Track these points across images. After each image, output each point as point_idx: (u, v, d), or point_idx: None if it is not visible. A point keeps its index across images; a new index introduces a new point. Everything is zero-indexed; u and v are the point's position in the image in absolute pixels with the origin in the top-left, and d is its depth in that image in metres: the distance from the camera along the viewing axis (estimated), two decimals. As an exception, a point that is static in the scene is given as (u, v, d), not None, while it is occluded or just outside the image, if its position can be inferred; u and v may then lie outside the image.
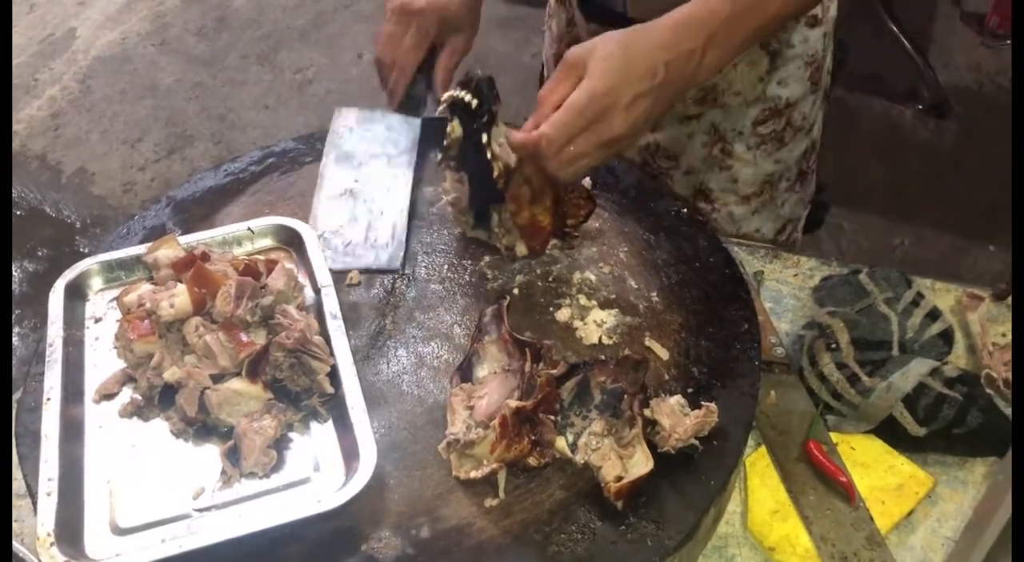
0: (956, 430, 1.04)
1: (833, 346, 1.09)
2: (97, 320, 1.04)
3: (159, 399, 0.95)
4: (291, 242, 1.12)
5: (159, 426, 0.94)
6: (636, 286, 1.11)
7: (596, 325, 1.06)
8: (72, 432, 0.92)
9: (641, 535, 0.86)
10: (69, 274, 1.06)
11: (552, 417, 0.92)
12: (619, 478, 0.87)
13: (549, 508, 0.88)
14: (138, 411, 0.95)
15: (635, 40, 0.96)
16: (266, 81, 3.59)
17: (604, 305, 1.08)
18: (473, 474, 0.89)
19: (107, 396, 0.97)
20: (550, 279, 1.12)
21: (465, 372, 0.98)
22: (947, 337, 1.13)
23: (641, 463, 0.88)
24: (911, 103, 3.23)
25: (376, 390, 0.99)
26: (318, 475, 0.89)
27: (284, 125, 3.34)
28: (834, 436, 1.06)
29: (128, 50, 3.74)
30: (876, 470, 1.03)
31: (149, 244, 1.07)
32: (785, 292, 1.25)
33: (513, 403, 0.88)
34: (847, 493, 1.00)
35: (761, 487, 1.02)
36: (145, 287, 1.01)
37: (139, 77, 3.61)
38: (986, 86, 3.30)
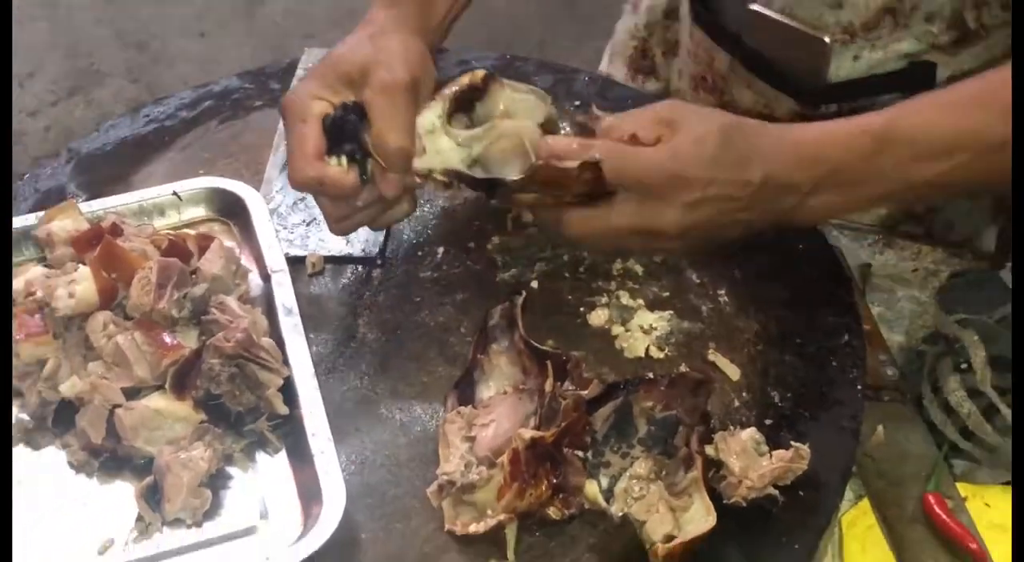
0: None
1: (964, 366, 1.10)
2: None
3: (54, 420, 0.96)
4: (232, 212, 1.13)
5: (54, 456, 0.95)
6: (698, 280, 1.12)
7: (643, 332, 1.07)
8: None
9: (699, 616, 0.87)
10: None
11: (580, 454, 0.92)
12: (670, 537, 0.88)
13: (575, 577, 0.89)
14: (26, 436, 0.96)
15: (742, 134, 0.96)
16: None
17: (654, 306, 1.09)
18: (473, 528, 0.90)
19: None
20: (581, 269, 1.13)
21: (464, 391, 1.00)
22: (1119, 358, 1.13)
23: (700, 517, 0.89)
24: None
25: (345, 412, 1.00)
26: (266, 524, 0.91)
27: (225, 58, 3.36)
28: (962, 488, 1.07)
29: (18, -46, 3.76)
30: (1019, 535, 1.04)
31: (42, 213, 1.08)
32: (901, 293, 1.25)
33: (528, 434, 0.89)
34: (978, 564, 1.00)
35: (862, 554, 1.03)
36: (35, 270, 1.02)
37: (31, -9, 3.63)
38: None
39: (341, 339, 1.07)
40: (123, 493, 0.93)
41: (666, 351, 1.05)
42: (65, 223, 1.06)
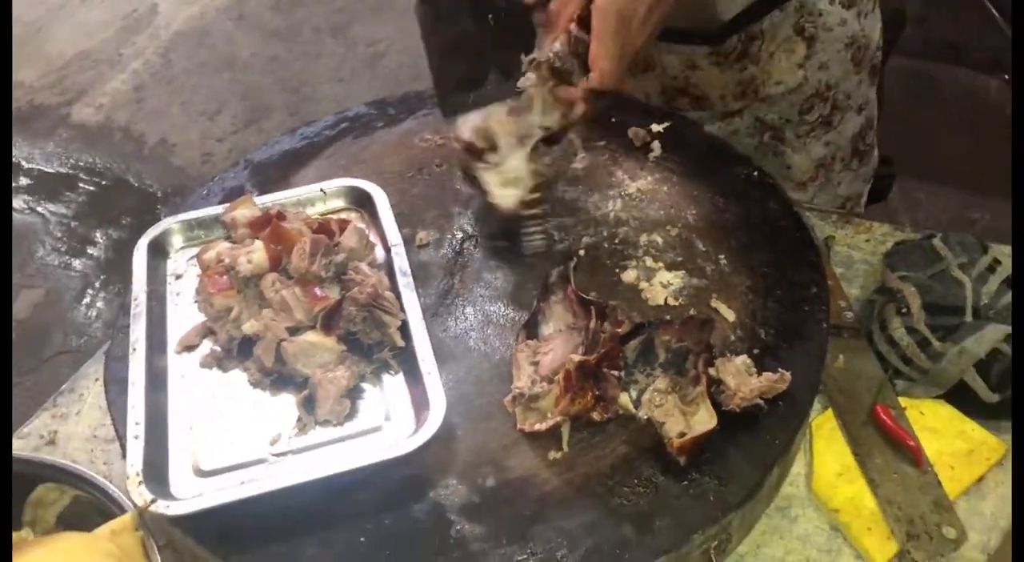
0: (1031, 397, 1.02)
1: (904, 311, 1.08)
2: (178, 277, 1.09)
3: (238, 350, 0.99)
4: (362, 203, 1.15)
5: (238, 376, 0.98)
6: (704, 249, 1.11)
7: (662, 286, 1.06)
8: (156, 381, 0.96)
9: (704, 491, 0.87)
10: (152, 233, 1.10)
11: (616, 373, 0.93)
12: (682, 434, 0.88)
13: (612, 462, 0.89)
14: (218, 362, 0.99)
15: None
16: (339, 54, 3.64)
17: (671, 267, 1.09)
18: (537, 426, 0.91)
19: (188, 347, 1.01)
20: (616, 241, 1.13)
21: (531, 329, 1.00)
22: (1024, 304, 1.10)
23: (705, 420, 0.89)
24: (996, 73, 3.12)
25: (444, 346, 1.01)
26: (389, 424, 0.92)
27: (357, 97, 3.37)
28: (903, 401, 1.05)
29: (207, 24, 3.83)
30: (946, 435, 1.02)
31: (227, 204, 1.11)
32: (856, 257, 1.23)
33: (577, 358, 0.90)
34: (915, 457, 0.99)
35: (827, 449, 1.02)
36: (224, 245, 1.05)
37: (217, 51, 3.70)
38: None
39: (441, 293, 1.08)
40: (287, 403, 0.95)
41: (680, 300, 1.05)
42: (244, 211, 1.08)
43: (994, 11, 3.11)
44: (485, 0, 1.10)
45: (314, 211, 1.14)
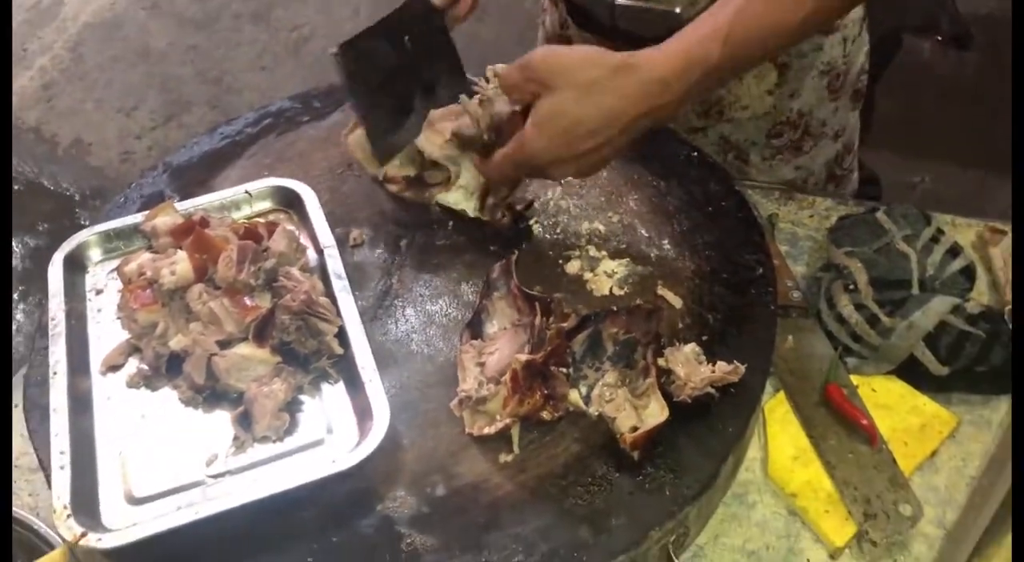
0: (979, 368, 1.04)
1: (851, 287, 1.09)
2: (98, 292, 1.05)
3: (166, 368, 0.96)
4: (291, 204, 1.12)
5: (168, 395, 0.95)
6: (647, 234, 1.11)
7: (607, 276, 1.06)
8: (80, 404, 0.93)
9: (659, 485, 0.87)
10: (67, 246, 1.06)
11: (564, 370, 0.92)
12: (634, 428, 0.88)
13: (564, 461, 0.89)
14: (146, 381, 0.96)
15: (600, 94, 0.91)
16: (261, 41, 3.56)
17: (614, 255, 1.08)
18: (487, 430, 0.90)
19: (113, 367, 0.97)
20: (558, 230, 1.12)
21: (475, 329, 0.99)
22: (968, 273, 1.12)
23: (656, 412, 0.89)
24: (930, 34, 3.17)
25: (385, 350, 1.00)
26: (331, 436, 0.90)
27: (281, 86, 3.32)
28: (854, 378, 1.07)
29: (118, 15, 3.71)
30: (898, 411, 1.04)
31: (147, 212, 1.07)
32: (801, 234, 1.25)
33: (523, 357, 0.89)
34: (869, 436, 1.00)
35: (781, 433, 1.03)
36: (145, 256, 1.01)
37: (131, 43, 3.59)
38: (1009, 14, 3.24)
39: (379, 295, 1.06)
40: (222, 420, 0.92)
41: (625, 289, 1.05)
42: (165, 219, 1.05)
43: (925, -27, 3.15)
44: (398, 25, 1.10)
45: (240, 215, 1.11)
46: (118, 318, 1.01)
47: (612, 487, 0.87)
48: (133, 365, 0.97)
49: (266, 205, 1.13)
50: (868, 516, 0.94)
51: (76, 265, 1.06)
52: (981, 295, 1.15)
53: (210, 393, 0.94)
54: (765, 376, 0.98)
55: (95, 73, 3.47)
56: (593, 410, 0.92)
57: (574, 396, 0.92)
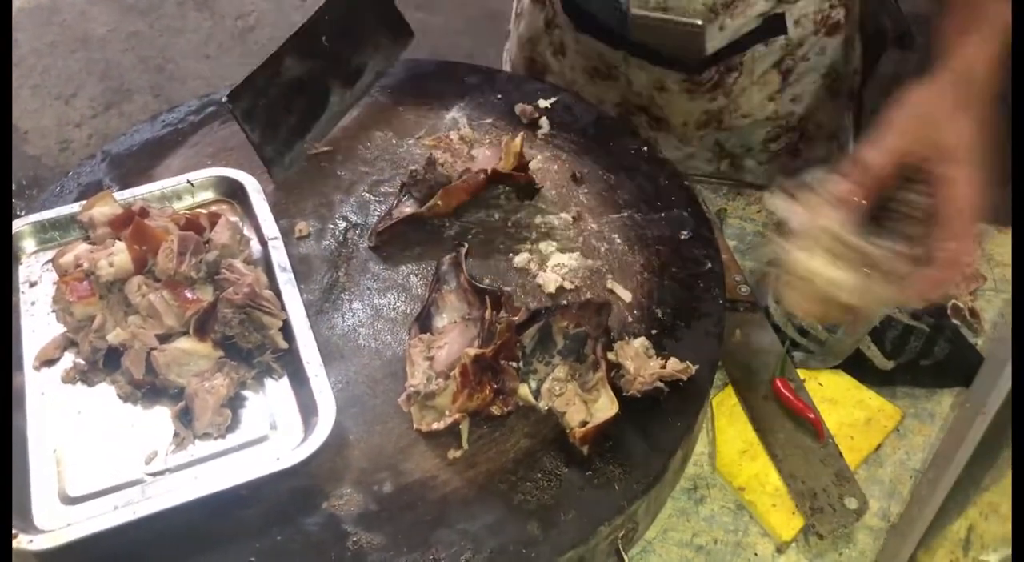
0: (923, 362, 1.06)
1: (798, 282, 1.09)
2: (32, 284, 1.01)
3: (104, 362, 0.93)
4: (234, 194, 1.10)
5: (105, 391, 0.92)
6: (597, 228, 1.10)
7: (557, 269, 1.05)
8: (13, 400, 0.90)
9: (608, 480, 0.86)
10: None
11: (514, 364, 0.91)
12: (584, 423, 0.87)
13: (514, 456, 0.88)
14: (82, 376, 0.93)
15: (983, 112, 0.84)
16: (206, 28, 3.50)
17: (564, 249, 1.07)
18: (435, 426, 0.88)
19: (48, 362, 0.94)
20: (509, 224, 1.11)
21: (424, 323, 0.98)
22: (913, 269, 1.14)
23: (606, 407, 0.89)
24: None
25: (332, 344, 0.98)
26: (275, 433, 0.89)
27: (227, 75, 3.26)
28: (802, 373, 1.07)
29: (55, 0, 3.62)
30: (844, 405, 1.05)
31: (84, 202, 1.04)
32: (749, 229, 1.25)
33: (472, 351, 0.88)
34: (815, 430, 1.01)
35: (729, 427, 1.03)
36: (82, 247, 0.98)
37: (69, 28, 3.50)
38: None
39: (325, 288, 1.04)
40: (161, 416, 0.90)
41: (575, 283, 1.04)
42: (103, 209, 1.01)
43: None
44: (312, 32, 1.13)
45: (181, 205, 1.08)
46: (53, 311, 0.97)
47: (562, 482, 0.86)
48: (69, 360, 0.94)
49: (208, 195, 1.10)
50: (815, 510, 0.95)
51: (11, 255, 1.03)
52: (924, 290, 1.16)
53: (149, 388, 0.91)
54: (714, 370, 0.98)
55: (31, 59, 3.38)
56: (543, 404, 0.91)
57: (524, 390, 0.91)
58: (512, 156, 1.11)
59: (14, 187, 2.94)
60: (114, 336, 0.91)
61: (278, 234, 1.02)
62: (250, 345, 0.92)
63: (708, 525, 0.97)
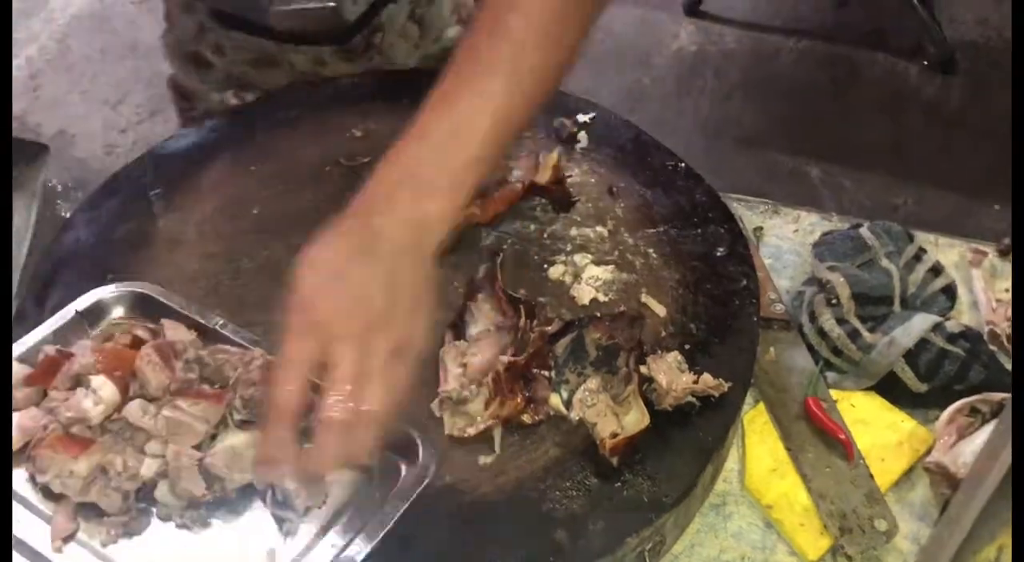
0: (958, 386, 1.05)
1: (834, 301, 1.09)
2: None
3: (136, 501, 0.83)
4: (143, 307, 0.97)
5: (160, 530, 0.83)
6: (632, 242, 1.11)
7: (591, 282, 1.06)
8: None
9: (637, 492, 0.87)
10: None
11: (545, 374, 0.92)
12: (614, 434, 0.88)
13: (544, 465, 0.89)
14: (125, 530, 0.82)
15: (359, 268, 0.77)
16: (251, 39, 3.56)
17: (599, 262, 1.08)
18: (468, 431, 0.89)
19: (68, 538, 0.82)
20: (545, 236, 1.12)
21: (458, 329, 0.99)
22: (950, 292, 1.13)
23: (637, 419, 0.89)
24: (916, 59, 3.21)
25: (367, 349, 0.99)
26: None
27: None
28: (834, 393, 1.07)
29: (107, 8, 3.69)
30: (876, 427, 1.04)
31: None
32: (785, 248, 1.25)
33: (506, 359, 0.89)
34: (846, 450, 1.01)
35: (759, 445, 1.03)
36: (28, 413, 0.86)
37: (119, 36, 3.56)
38: (993, 41, 3.28)
39: (363, 293, 1.06)
40: (241, 523, 0.83)
41: (609, 296, 1.04)
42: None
43: (913, -4, 3.19)
44: None
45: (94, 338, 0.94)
46: (39, 485, 0.83)
47: (590, 493, 0.87)
48: (91, 527, 0.82)
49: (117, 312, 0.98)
50: (844, 530, 0.95)
51: None
52: (962, 314, 1.16)
53: (204, 509, 0.83)
54: (746, 387, 0.98)
55: (82, 65, 3.45)
56: (574, 415, 0.92)
57: (555, 400, 0.92)
58: (549, 169, 1.12)
59: (60, 188, 3.00)
60: (147, 468, 0.82)
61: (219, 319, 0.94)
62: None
63: (736, 541, 0.97)
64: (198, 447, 0.83)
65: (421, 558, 0.82)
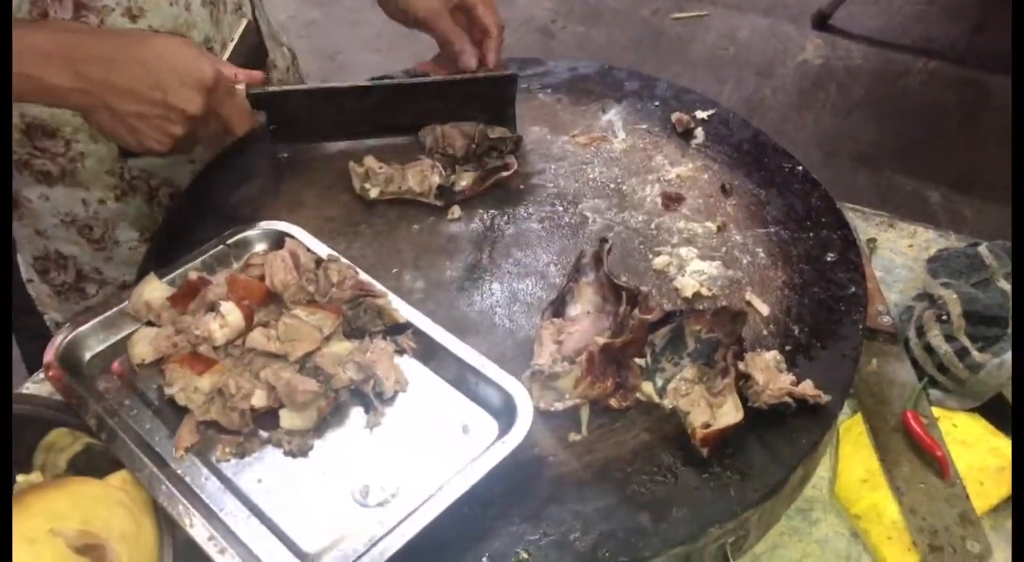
0: (1069, 416, 1.01)
1: (944, 318, 1.06)
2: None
3: (253, 424, 0.89)
4: (280, 243, 1.05)
5: (270, 457, 0.88)
6: (741, 240, 1.10)
7: (695, 276, 1.06)
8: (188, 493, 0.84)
9: (724, 484, 0.86)
10: (56, 347, 0.96)
11: (640, 361, 0.93)
12: (707, 425, 0.88)
13: (632, 448, 0.89)
14: (238, 449, 0.88)
15: None
16: (378, 24, 3.64)
17: (705, 257, 1.08)
18: (555, 405, 0.91)
19: (189, 449, 0.88)
20: (652, 226, 1.12)
21: (558, 308, 1.00)
22: (1069, 320, 1.09)
23: (730, 413, 0.89)
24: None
25: (469, 320, 1.02)
26: (470, 430, 0.90)
27: (393, 70, 3.38)
28: (936, 411, 1.04)
29: None
30: (977, 450, 1.01)
31: (125, 302, 0.99)
32: (898, 262, 1.22)
33: (601, 340, 0.90)
34: (942, 468, 0.98)
35: (853, 454, 1.01)
36: (150, 331, 0.95)
37: (253, 13, 3.71)
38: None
39: (468, 267, 1.08)
40: (338, 457, 0.88)
41: (713, 291, 1.04)
42: (154, 294, 0.98)
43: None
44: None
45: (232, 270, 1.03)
46: (169, 395, 0.90)
47: (677, 479, 0.87)
48: (210, 440, 0.89)
49: (260, 248, 1.08)
50: (934, 548, 0.92)
51: (73, 368, 0.96)
52: (1080, 345, 1.11)
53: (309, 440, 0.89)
54: (845, 394, 0.96)
55: (217, 39, 3.60)
56: (667, 403, 0.92)
57: (648, 388, 0.93)
58: None
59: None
60: (258, 398, 0.88)
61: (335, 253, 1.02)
62: (377, 328, 0.95)
63: (819, 548, 0.95)
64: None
65: (502, 522, 0.84)
